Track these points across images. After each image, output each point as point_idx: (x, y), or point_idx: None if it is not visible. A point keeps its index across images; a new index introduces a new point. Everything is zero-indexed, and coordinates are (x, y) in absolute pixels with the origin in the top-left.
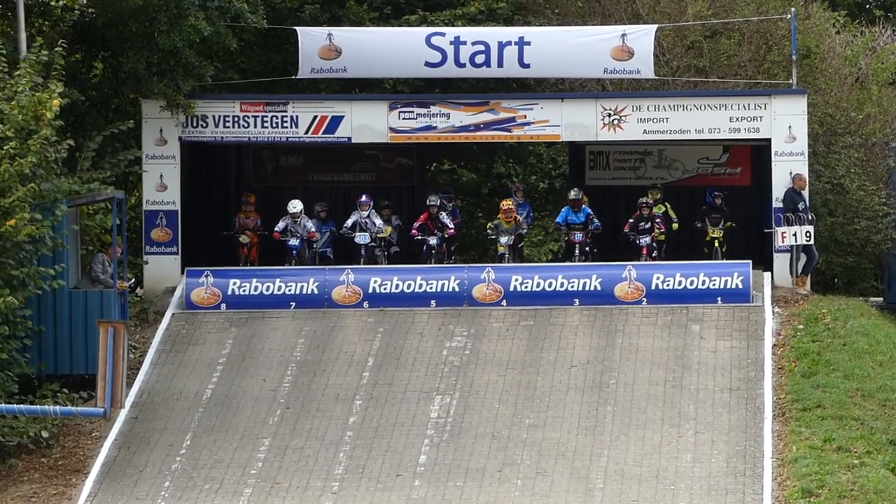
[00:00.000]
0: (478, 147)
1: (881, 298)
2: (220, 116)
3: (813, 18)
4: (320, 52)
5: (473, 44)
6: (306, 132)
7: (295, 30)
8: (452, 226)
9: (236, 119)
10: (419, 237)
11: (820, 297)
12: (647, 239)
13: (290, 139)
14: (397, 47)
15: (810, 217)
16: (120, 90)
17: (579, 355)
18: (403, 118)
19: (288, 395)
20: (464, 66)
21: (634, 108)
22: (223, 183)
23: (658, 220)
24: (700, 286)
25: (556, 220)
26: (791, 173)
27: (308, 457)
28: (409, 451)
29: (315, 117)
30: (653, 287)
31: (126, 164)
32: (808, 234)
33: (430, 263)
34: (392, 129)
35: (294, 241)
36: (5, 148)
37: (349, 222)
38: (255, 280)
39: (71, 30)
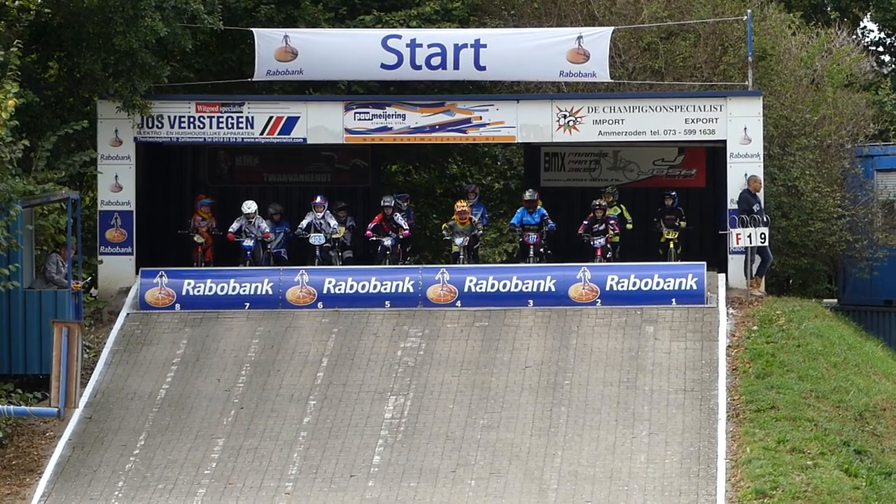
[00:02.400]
0: (433, 148)
1: (835, 300)
2: (175, 117)
3: (769, 20)
4: (277, 54)
5: (430, 46)
6: (262, 133)
7: (251, 31)
8: (407, 227)
9: (192, 119)
10: (374, 238)
11: (774, 299)
12: (602, 240)
13: (245, 140)
14: (354, 49)
15: (765, 219)
16: (76, 90)
17: (534, 356)
18: (359, 119)
19: (242, 395)
20: (420, 68)
21: (590, 109)
22: (178, 183)
23: (612, 221)
24: (654, 287)
25: (511, 221)
26: (746, 175)
27: (262, 457)
28: (363, 451)
29: (270, 118)
30: (607, 288)
31: (81, 164)
32: (762, 236)
33: (385, 264)
34: (347, 131)
35: (248, 242)
36: None
37: (304, 223)
38: (209, 280)
39: (27, 30)
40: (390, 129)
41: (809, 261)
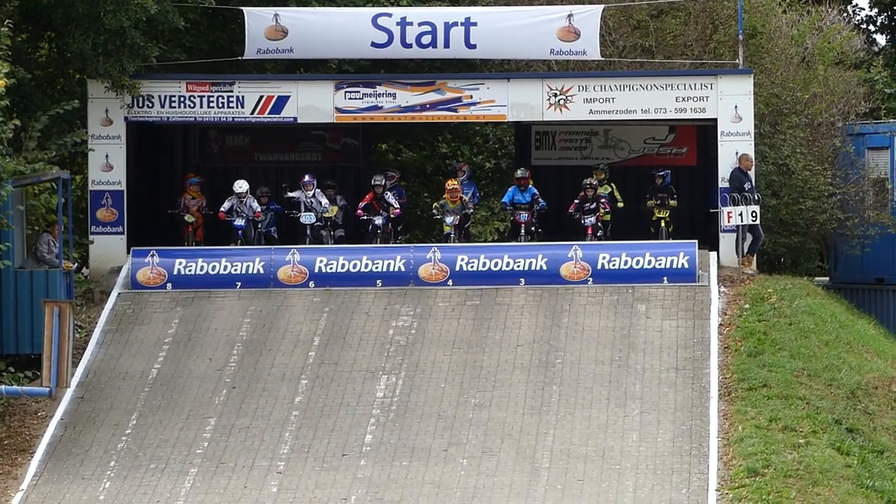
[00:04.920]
0: (424, 127)
1: (827, 278)
2: (165, 96)
3: None
4: (267, 33)
5: (420, 24)
6: (252, 112)
7: (241, 10)
8: (398, 206)
9: (182, 99)
10: (365, 217)
11: (766, 277)
12: (593, 219)
13: (236, 119)
14: (344, 28)
15: (756, 197)
16: (66, 70)
17: (525, 335)
18: (349, 98)
19: (234, 374)
20: (410, 46)
21: (580, 88)
22: (169, 163)
23: (603, 200)
24: (646, 266)
25: (503, 199)
26: (737, 153)
27: (254, 436)
28: (354, 430)
29: (261, 97)
30: (599, 267)
31: (72, 144)
32: (754, 214)
33: (376, 243)
34: (338, 110)
35: (239, 221)
36: None
37: (291, 194)
38: (200, 260)
39: (17, 10)
40: (381, 108)
41: (801, 239)
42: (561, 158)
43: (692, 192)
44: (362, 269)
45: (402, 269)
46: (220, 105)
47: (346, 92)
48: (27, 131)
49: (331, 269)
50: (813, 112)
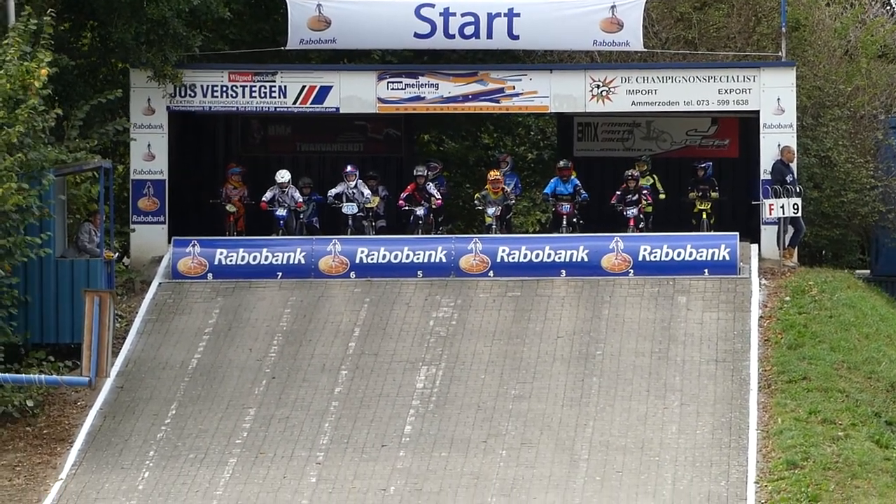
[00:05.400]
0: (466, 118)
1: (868, 271)
2: (208, 86)
3: None
4: (310, 23)
5: (463, 15)
6: (294, 102)
7: (285, 0)
8: (439, 196)
9: (224, 89)
10: (406, 208)
11: (807, 270)
12: (635, 210)
13: (278, 109)
14: (386, 18)
15: (798, 189)
16: (108, 59)
17: (565, 326)
18: (392, 89)
19: (274, 364)
20: (453, 37)
21: (623, 79)
22: (211, 153)
23: (645, 191)
24: (687, 258)
25: (544, 190)
26: (779, 145)
27: (293, 427)
28: (394, 421)
29: (303, 87)
30: (640, 258)
31: (114, 133)
32: (795, 207)
33: (418, 234)
34: (380, 100)
35: (281, 212)
36: None
37: (333, 192)
38: (241, 250)
39: None
40: (423, 98)
41: (842, 231)
42: (603, 150)
43: (734, 184)
44: (403, 260)
45: (444, 259)
46: (263, 95)
47: (388, 82)
48: (69, 120)
49: (372, 259)
50: (855, 105)
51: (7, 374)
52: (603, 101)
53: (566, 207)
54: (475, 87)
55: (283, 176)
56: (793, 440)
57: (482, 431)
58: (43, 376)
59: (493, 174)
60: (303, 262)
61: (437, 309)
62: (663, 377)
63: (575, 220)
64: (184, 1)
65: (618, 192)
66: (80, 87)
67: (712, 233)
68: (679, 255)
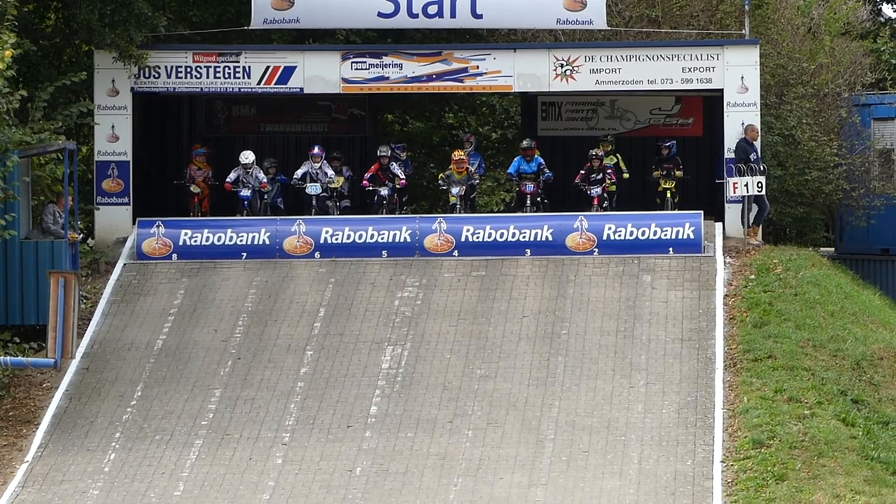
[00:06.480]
0: (430, 97)
1: (832, 248)
2: (172, 67)
3: None
4: (273, 3)
5: None
6: (259, 83)
7: None
8: (404, 176)
9: (189, 70)
10: (370, 188)
11: (771, 248)
12: (599, 190)
13: (242, 90)
14: None
15: (762, 167)
16: (72, 41)
17: (531, 306)
18: (356, 69)
19: (239, 345)
20: (416, 16)
21: (587, 58)
22: (175, 134)
23: (609, 170)
24: (651, 236)
25: (508, 170)
26: (743, 124)
27: (259, 408)
28: (360, 401)
29: (267, 68)
30: (604, 237)
31: (78, 115)
32: (759, 185)
33: (382, 214)
34: (344, 80)
35: (245, 192)
36: None
37: (299, 172)
38: (206, 230)
39: None
40: (387, 78)
41: (806, 209)
42: (567, 129)
43: (698, 162)
44: (368, 240)
45: (408, 239)
46: (227, 76)
47: (352, 62)
48: (33, 102)
49: (336, 239)
50: (819, 83)
51: None
52: (567, 81)
53: (530, 187)
54: (439, 67)
55: (248, 157)
56: (759, 419)
57: (448, 412)
58: (8, 358)
59: (457, 154)
60: (267, 242)
61: (402, 289)
62: (629, 356)
63: (539, 199)
64: None
65: (582, 172)
66: (44, 69)
67: (676, 211)
68: (643, 233)
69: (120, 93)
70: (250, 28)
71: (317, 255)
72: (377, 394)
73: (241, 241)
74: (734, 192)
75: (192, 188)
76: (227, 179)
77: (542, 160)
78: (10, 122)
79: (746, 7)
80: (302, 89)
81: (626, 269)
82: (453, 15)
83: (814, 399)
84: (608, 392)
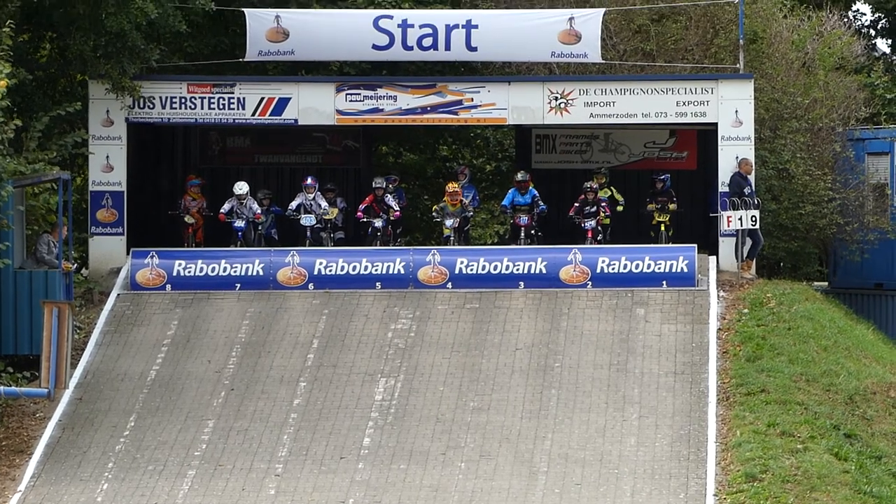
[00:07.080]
0: (424, 130)
1: (826, 283)
2: (167, 98)
3: (760, 2)
4: (268, 35)
5: (421, 27)
6: (253, 114)
7: (243, 12)
8: (398, 208)
9: (183, 100)
10: (364, 219)
11: (765, 282)
12: (593, 222)
13: (236, 121)
14: (345, 30)
15: (756, 201)
16: (67, 71)
17: (524, 338)
18: (350, 100)
19: (232, 376)
20: (411, 49)
21: (581, 91)
22: (170, 164)
23: (603, 203)
24: (645, 270)
25: (503, 202)
26: (737, 158)
27: (252, 439)
28: (353, 433)
29: (262, 99)
30: (598, 270)
31: (72, 145)
32: (753, 219)
33: (376, 245)
34: (339, 112)
35: (239, 223)
36: None
37: (294, 204)
38: (200, 261)
39: (18, 10)
40: (382, 110)
41: (800, 244)
42: (561, 162)
43: (692, 196)
44: (362, 272)
45: (402, 271)
46: (221, 107)
47: (346, 94)
48: (28, 132)
49: (330, 271)
50: (813, 117)
51: None
52: (561, 113)
53: (524, 219)
54: (433, 99)
55: (242, 188)
56: (752, 453)
57: (441, 444)
58: (1, 387)
59: (452, 186)
60: (261, 273)
61: (395, 321)
62: (622, 389)
63: (533, 231)
64: (142, 14)
65: (576, 204)
66: (39, 99)
67: (670, 245)
68: (637, 266)
69: (114, 123)
70: (245, 60)
71: (311, 286)
72: (370, 425)
73: (234, 271)
74: (728, 226)
75: (186, 219)
76: (222, 210)
77: (536, 192)
78: (4, 151)
79: (741, 41)
80: (296, 121)
81: (619, 303)
82: (448, 48)
83: (807, 433)
84: (601, 425)
